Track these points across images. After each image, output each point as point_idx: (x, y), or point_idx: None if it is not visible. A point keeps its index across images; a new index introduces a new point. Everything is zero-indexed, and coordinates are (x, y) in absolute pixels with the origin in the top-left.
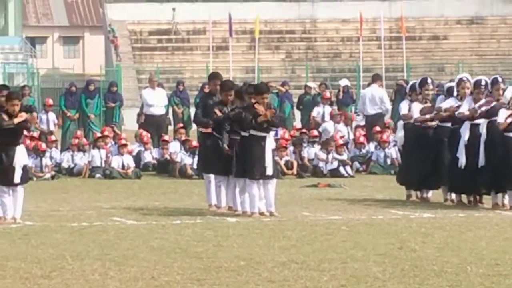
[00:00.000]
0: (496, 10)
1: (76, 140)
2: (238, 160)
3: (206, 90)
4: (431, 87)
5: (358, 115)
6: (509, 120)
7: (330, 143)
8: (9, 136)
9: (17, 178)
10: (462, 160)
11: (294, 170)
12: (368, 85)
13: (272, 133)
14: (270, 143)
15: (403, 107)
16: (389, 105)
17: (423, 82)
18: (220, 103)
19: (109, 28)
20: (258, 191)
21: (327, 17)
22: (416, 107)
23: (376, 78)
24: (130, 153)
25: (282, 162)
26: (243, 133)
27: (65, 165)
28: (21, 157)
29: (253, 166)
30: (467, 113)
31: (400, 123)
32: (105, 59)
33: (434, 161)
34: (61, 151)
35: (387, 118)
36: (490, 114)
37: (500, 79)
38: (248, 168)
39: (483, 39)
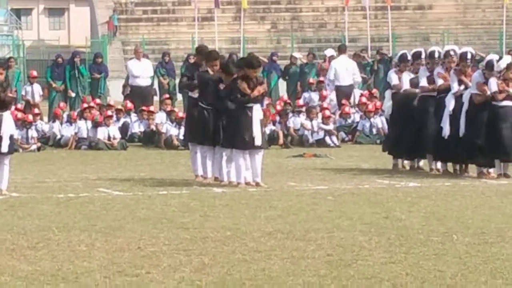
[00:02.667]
0: None
1: (60, 111)
2: (225, 130)
3: (191, 60)
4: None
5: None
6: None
7: (312, 110)
8: None
9: (4, 147)
10: (446, 130)
11: (281, 140)
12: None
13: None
14: (257, 113)
15: (393, 77)
16: (359, 77)
17: (418, 55)
18: (219, 80)
19: None
20: (245, 162)
21: None
22: (406, 78)
23: (343, 49)
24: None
25: (267, 132)
26: (230, 104)
27: (57, 134)
28: (8, 126)
29: (241, 136)
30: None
31: (388, 92)
32: (90, 30)
33: (420, 129)
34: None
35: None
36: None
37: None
38: (236, 139)
39: (468, 9)
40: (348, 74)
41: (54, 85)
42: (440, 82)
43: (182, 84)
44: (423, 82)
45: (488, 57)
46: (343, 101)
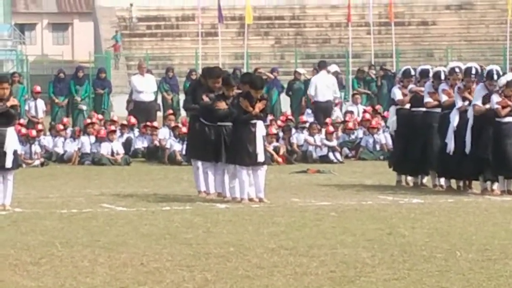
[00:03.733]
0: None
1: (61, 126)
2: (229, 146)
3: (194, 76)
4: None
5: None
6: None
7: (313, 126)
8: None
9: (8, 163)
10: (451, 146)
11: (281, 153)
12: (315, 72)
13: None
14: (260, 129)
15: (397, 93)
16: (339, 93)
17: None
18: (208, 90)
19: None
20: (248, 178)
21: (316, 3)
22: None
23: (323, 65)
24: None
25: (270, 148)
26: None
27: (59, 150)
28: (12, 142)
29: (244, 152)
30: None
31: (393, 108)
32: (94, 45)
33: (424, 146)
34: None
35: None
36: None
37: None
38: (239, 155)
39: (472, 25)
40: (329, 90)
41: (56, 100)
42: (444, 98)
43: (186, 105)
44: (427, 98)
45: (489, 68)
46: (327, 120)
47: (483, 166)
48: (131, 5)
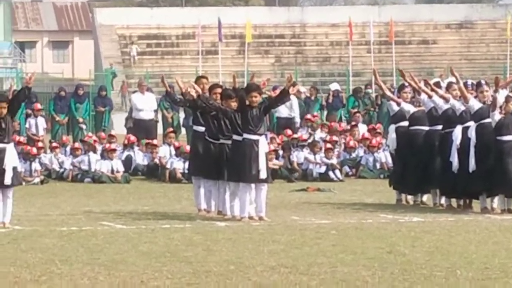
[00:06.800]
0: (485, 14)
1: (57, 144)
2: (231, 163)
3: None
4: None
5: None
6: None
7: (316, 144)
8: None
9: (7, 179)
10: (455, 164)
11: (278, 165)
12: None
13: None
14: (263, 146)
15: (393, 105)
16: (297, 112)
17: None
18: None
19: None
20: (249, 196)
21: (316, 22)
22: (406, 107)
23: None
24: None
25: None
26: (235, 137)
27: (55, 167)
28: (12, 159)
29: (247, 169)
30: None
31: (392, 127)
32: (94, 63)
33: (425, 165)
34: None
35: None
36: (479, 116)
37: (483, 82)
38: (242, 172)
39: (472, 43)
40: (285, 109)
41: (57, 118)
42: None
43: (172, 97)
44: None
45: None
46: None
47: (487, 184)
48: (132, 42)
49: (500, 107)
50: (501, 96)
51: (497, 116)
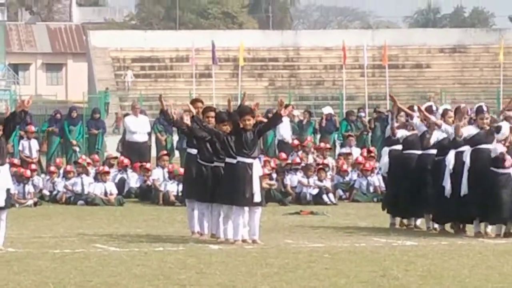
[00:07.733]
0: (478, 39)
1: (53, 168)
2: (224, 186)
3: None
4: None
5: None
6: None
7: (310, 168)
8: None
9: (1, 201)
10: (448, 189)
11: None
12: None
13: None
14: (257, 170)
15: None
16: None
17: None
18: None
19: None
20: (243, 219)
21: (310, 45)
22: (401, 133)
23: None
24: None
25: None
26: (229, 160)
27: (46, 192)
28: (5, 180)
29: (240, 192)
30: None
31: (385, 149)
32: (88, 86)
33: (418, 189)
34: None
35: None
36: (475, 141)
37: (485, 108)
38: (235, 195)
39: (466, 68)
40: (288, 131)
41: (51, 128)
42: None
43: (166, 117)
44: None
45: (478, 104)
46: (283, 156)
47: (480, 210)
48: (127, 67)
49: (505, 139)
50: (505, 128)
51: (500, 148)
